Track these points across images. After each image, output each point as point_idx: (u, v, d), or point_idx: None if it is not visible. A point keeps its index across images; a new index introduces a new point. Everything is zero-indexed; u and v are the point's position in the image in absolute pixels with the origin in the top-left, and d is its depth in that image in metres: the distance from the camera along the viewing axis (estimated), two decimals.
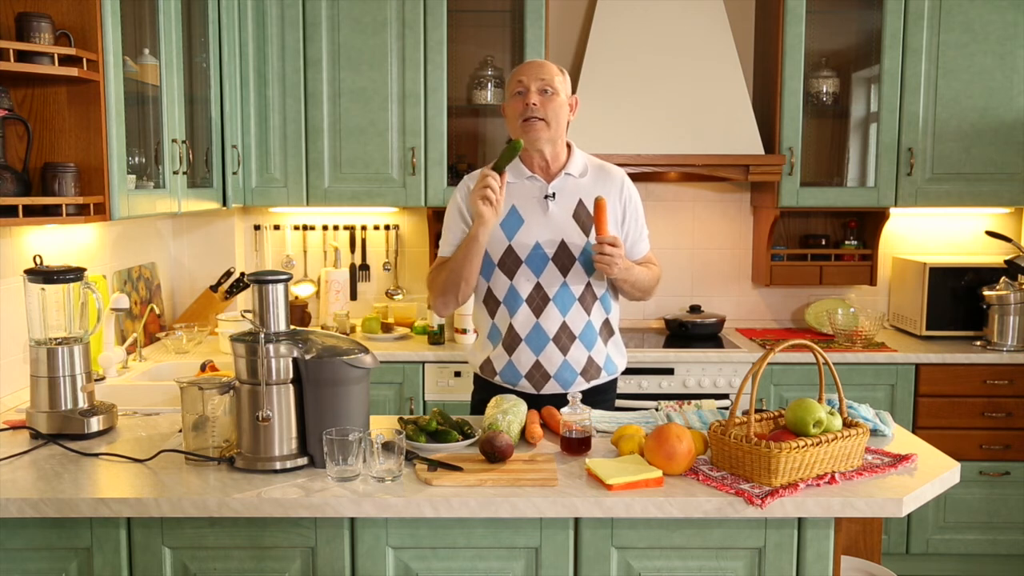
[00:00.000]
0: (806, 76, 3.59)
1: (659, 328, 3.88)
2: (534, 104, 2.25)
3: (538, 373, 2.33)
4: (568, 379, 2.34)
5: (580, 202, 2.33)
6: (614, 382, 2.48)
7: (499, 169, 2.21)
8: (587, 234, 2.31)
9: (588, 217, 2.32)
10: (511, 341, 2.33)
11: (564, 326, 2.31)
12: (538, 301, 2.30)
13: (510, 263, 2.30)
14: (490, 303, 2.37)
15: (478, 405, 2.46)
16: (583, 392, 2.32)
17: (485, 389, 2.43)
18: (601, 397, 2.41)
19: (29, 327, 2.15)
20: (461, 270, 2.28)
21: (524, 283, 2.30)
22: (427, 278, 2.45)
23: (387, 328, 3.62)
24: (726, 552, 1.80)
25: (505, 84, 2.36)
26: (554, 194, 2.32)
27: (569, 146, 2.39)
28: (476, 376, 2.49)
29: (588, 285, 2.33)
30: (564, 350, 2.32)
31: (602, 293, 2.36)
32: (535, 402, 2.30)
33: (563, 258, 2.30)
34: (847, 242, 3.81)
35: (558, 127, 2.30)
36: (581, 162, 2.38)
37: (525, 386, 2.35)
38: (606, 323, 2.39)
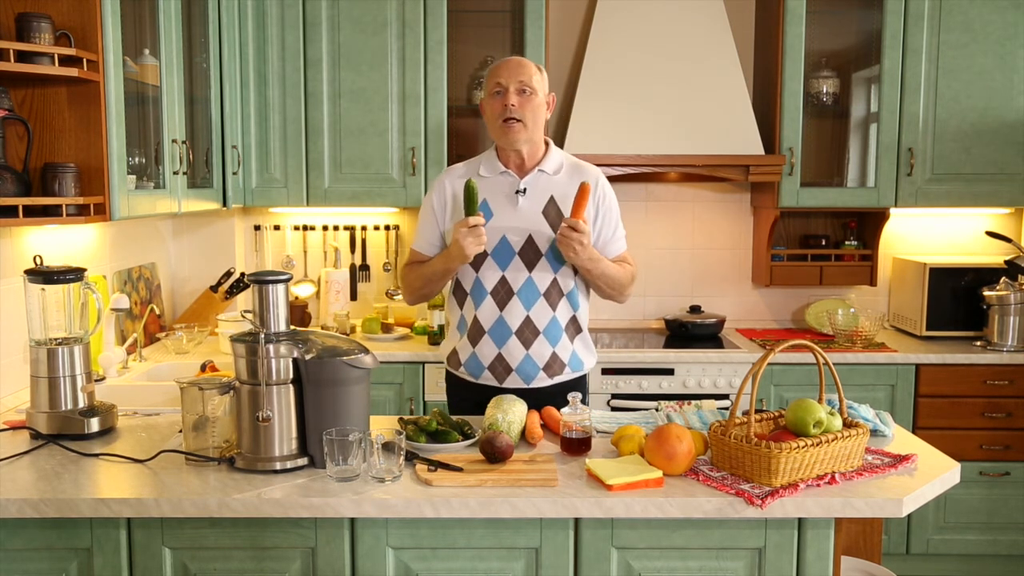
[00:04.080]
0: (806, 76, 3.59)
1: (659, 328, 3.88)
2: (512, 105, 2.28)
3: (500, 366, 2.36)
4: (530, 373, 2.36)
5: (551, 199, 2.35)
6: (583, 379, 2.49)
7: (474, 212, 2.24)
8: (555, 231, 2.31)
9: (558, 214, 2.33)
10: (475, 333, 2.37)
11: (528, 320, 2.33)
12: (502, 294, 2.34)
13: (477, 256, 2.31)
14: (458, 294, 2.41)
15: (451, 401, 2.51)
16: (547, 387, 2.37)
17: (451, 382, 2.50)
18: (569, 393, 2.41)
19: (29, 327, 2.15)
20: (434, 284, 2.40)
21: (490, 275, 2.33)
22: (400, 271, 2.54)
23: (387, 328, 3.62)
24: (726, 552, 1.80)
25: (484, 82, 2.40)
26: (525, 189, 2.35)
27: (547, 143, 2.42)
28: (446, 371, 2.52)
29: (554, 281, 2.35)
30: (527, 344, 2.34)
31: (569, 290, 2.38)
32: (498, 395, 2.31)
33: (529, 252, 2.32)
34: (847, 242, 3.81)
35: (536, 127, 2.34)
36: (557, 160, 2.41)
37: (488, 378, 2.38)
38: (573, 320, 2.41)
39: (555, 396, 2.33)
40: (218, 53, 3.25)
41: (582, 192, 2.22)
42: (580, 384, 2.47)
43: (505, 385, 2.36)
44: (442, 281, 2.39)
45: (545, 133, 2.45)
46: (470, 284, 2.36)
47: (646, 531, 1.79)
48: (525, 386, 2.36)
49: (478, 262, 2.33)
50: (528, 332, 2.34)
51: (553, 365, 2.37)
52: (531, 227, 2.32)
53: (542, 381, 2.37)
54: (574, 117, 3.53)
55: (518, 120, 2.29)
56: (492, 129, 2.37)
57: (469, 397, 2.42)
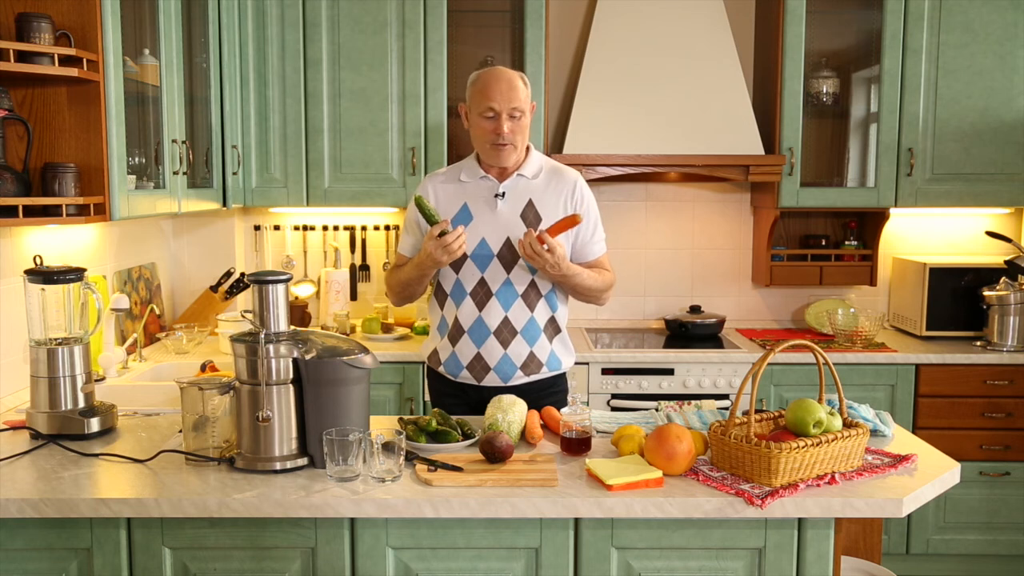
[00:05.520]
0: (806, 76, 3.59)
1: (659, 328, 3.88)
2: (508, 133, 2.31)
3: (479, 365, 2.39)
4: (508, 372, 2.39)
5: (530, 202, 2.39)
6: (561, 377, 2.51)
7: (437, 219, 2.28)
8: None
9: (536, 217, 2.38)
10: (455, 333, 2.41)
11: (506, 321, 2.37)
12: (481, 295, 2.38)
13: (457, 258, 2.34)
14: (439, 295, 2.45)
15: (432, 397, 2.57)
16: (524, 385, 2.40)
17: (431, 378, 2.55)
18: (547, 391, 2.45)
19: (29, 327, 2.15)
20: (414, 286, 2.44)
21: (469, 278, 2.38)
22: (386, 276, 2.59)
23: (387, 328, 3.62)
24: (726, 552, 1.80)
25: (469, 92, 2.39)
26: (504, 193, 2.39)
27: (528, 148, 2.45)
28: (427, 368, 2.57)
29: (532, 283, 2.39)
30: (504, 344, 2.38)
31: (547, 291, 2.42)
32: (478, 394, 2.39)
33: (507, 256, 2.36)
34: (847, 242, 3.81)
35: (523, 144, 2.38)
36: (536, 164, 2.44)
37: (466, 377, 2.42)
38: (551, 321, 2.45)
39: (532, 393, 2.36)
40: (218, 53, 3.25)
41: (571, 219, 2.25)
42: (559, 382, 2.50)
43: (484, 384, 2.40)
44: (419, 285, 2.43)
45: (530, 139, 2.47)
46: (450, 285, 2.40)
47: (646, 531, 1.79)
48: (503, 384, 2.40)
49: (458, 264, 2.37)
50: (506, 332, 2.38)
51: (530, 364, 2.41)
52: (510, 230, 2.36)
53: (519, 379, 2.41)
54: (574, 117, 3.53)
55: (510, 144, 2.33)
56: (479, 146, 2.39)
57: (449, 393, 2.48)
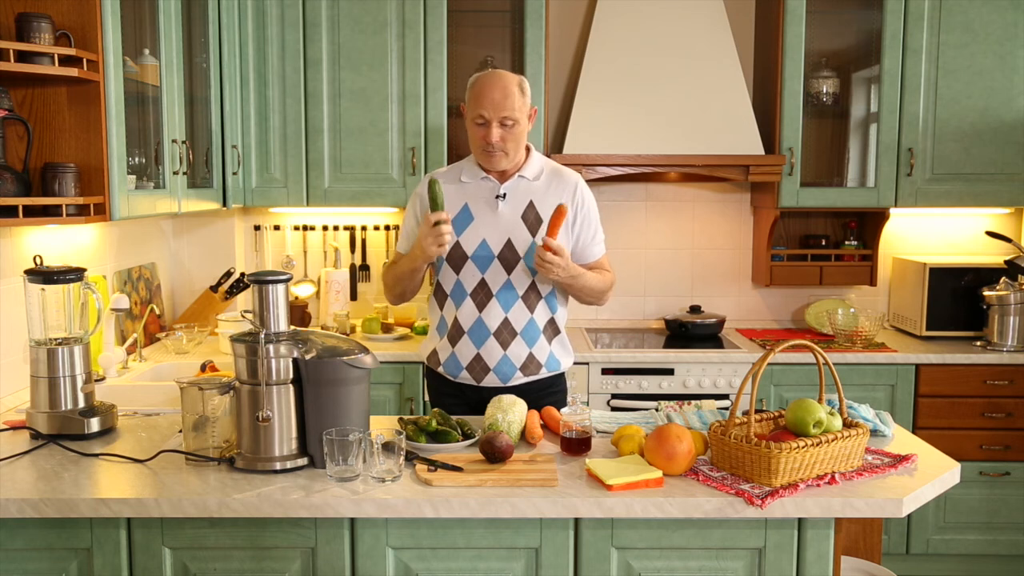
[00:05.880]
0: (806, 76, 3.59)
1: (659, 328, 3.88)
2: (497, 141, 2.31)
3: (478, 366, 2.39)
4: (507, 373, 2.40)
5: (531, 204, 2.39)
6: (560, 377, 2.52)
7: (441, 207, 2.27)
8: (534, 235, 2.37)
9: (537, 219, 2.38)
10: (455, 333, 2.41)
11: (506, 322, 2.37)
12: (482, 296, 2.38)
13: (457, 259, 2.37)
14: (439, 296, 2.45)
15: (431, 396, 2.57)
16: (523, 385, 2.40)
17: (430, 378, 2.55)
18: (546, 391, 2.46)
19: (29, 327, 2.15)
20: (406, 282, 2.44)
21: (470, 278, 2.38)
22: (382, 272, 2.53)
23: (387, 328, 3.62)
24: (726, 552, 1.80)
25: (467, 95, 2.38)
26: (505, 194, 2.39)
27: (528, 149, 2.44)
28: (427, 367, 2.57)
29: (532, 284, 2.39)
30: (504, 345, 2.38)
31: (547, 293, 2.42)
32: (477, 394, 2.39)
33: (508, 257, 2.36)
34: (847, 242, 3.81)
35: (517, 150, 2.37)
36: (537, 165, 2.44)
37: (465, 377, 2.42)
38: (551, 322, 2.45)
39: (531, 393, 2.36)
40: (218, 53, 3.25)
41: (559, 214, 2.25)
42: (558, 382, 2.50)
43: (483, 384, 2.40)
44: (412, 279, 2.42)
45: (530, 139, 2.47)
46: (450, 286, 2.40)
47: (646, 531, 1.79)
48: (502, 384, 2.40)
49: (458, 265, 2.37)
50: (506, 333, 2.38)
51: (530, 365, 2.41)
52: (510, 231, 2.36)
53: (518, 380, 2.41)
54: (574, 117, 3.53)
55: (500, 151, 2.33)
56: (472, 149, 2.40)
57: (448, 393, 2.48)
